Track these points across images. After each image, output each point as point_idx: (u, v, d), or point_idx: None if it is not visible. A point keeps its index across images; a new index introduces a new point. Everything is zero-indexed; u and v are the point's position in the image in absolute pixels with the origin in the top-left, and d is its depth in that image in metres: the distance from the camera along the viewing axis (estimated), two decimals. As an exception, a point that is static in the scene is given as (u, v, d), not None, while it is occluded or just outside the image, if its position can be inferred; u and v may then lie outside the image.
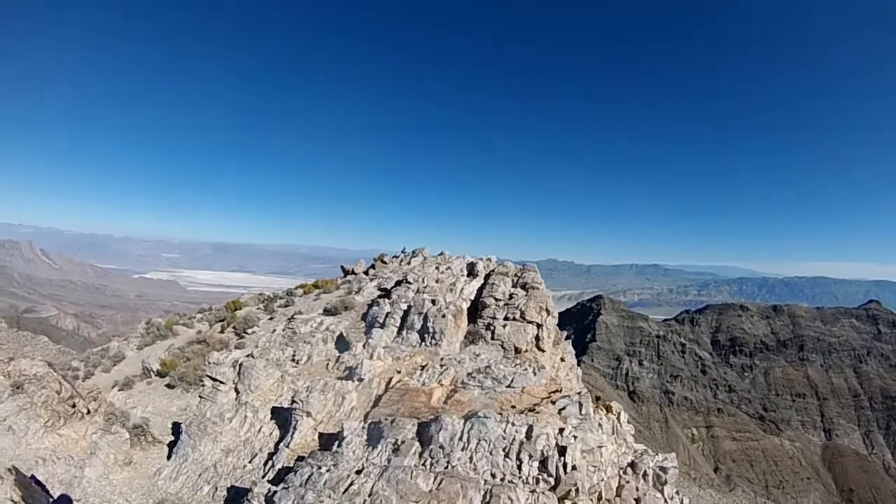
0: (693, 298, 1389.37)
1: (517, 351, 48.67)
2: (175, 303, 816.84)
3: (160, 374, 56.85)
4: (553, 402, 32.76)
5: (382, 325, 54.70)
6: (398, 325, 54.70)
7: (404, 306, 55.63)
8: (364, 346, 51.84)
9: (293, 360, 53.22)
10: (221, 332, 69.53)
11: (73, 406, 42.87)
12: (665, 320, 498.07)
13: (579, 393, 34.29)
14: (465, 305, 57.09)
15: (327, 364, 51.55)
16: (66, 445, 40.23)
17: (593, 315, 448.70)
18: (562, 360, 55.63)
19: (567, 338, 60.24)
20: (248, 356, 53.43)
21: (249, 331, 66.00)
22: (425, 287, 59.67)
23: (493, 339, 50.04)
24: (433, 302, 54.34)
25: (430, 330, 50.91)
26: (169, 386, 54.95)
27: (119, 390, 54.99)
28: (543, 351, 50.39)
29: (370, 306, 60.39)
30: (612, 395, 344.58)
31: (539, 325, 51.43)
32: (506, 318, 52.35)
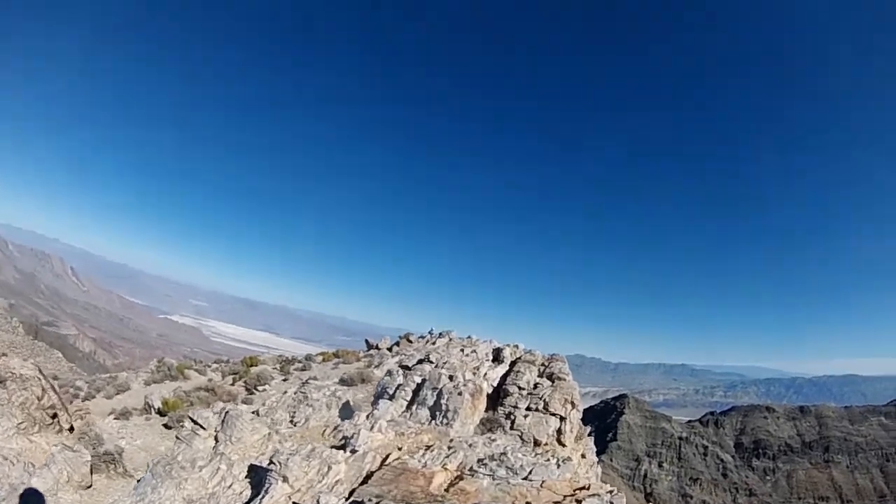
0: (719, 399, 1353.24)
1: (536, 443, 45.61)
2: (196, 349, 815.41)
3: (160, 413, 55.49)
4: (579, 502, 28.87)
5: (391, 397, 51.87)
6: (409, 398, 51.77)
7: (418, 379, 52.83)
8: (368, 416, 47.55)
9: (290, 421, 51.50)
10: (232, 384, 68.22)
11: (54, 417, 42.25)
12: (689, 421, 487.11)
13: (611, 492, 30.86)
14: (487, 388, 53.64)
15: (324, 430, 49.10)
16: (33, 452, 38.88)
17: (616, 413, 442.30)
18: (583, 456, 52.08)
19: (589, 434, 57.20)
20: (253, 412, 51.96)
21: (260, 388, 64.69)
22: (445, 364, 56.53)
23: (512, 428, 46.86)
24: (450, 378, 50.57)
25: (443, 407, 47.56)
26: (166, 426, 53.22)
27: (115, 418, 53.77)
28: (564, 445, 47.26)
29: (384, 377, 57.89)
30: (628, 497, 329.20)
31: (562, 419, 48.34)
32: (528, 409, 49.23)
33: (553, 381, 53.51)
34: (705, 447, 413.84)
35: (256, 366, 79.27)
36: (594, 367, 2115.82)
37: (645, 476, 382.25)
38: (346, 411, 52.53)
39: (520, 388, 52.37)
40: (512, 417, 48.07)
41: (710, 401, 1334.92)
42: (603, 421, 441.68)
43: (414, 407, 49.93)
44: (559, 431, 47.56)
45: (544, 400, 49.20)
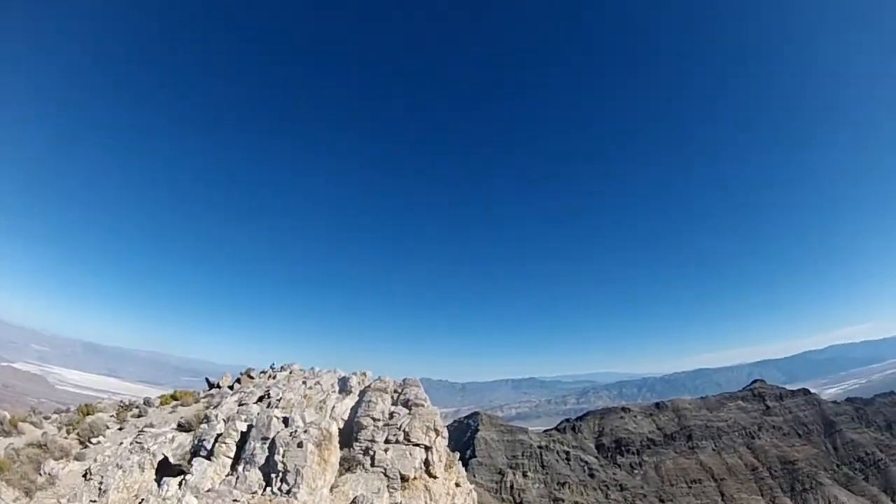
0: (573, 407, 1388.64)
1: (404, 479, 41.28)
2: (42, 400, 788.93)
3: None
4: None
5: (210, 454, 42.37)
6: (233, 453, 42.09)
7: (243, 426, 44.47)
8: (181, 483, 39.24)
9: (99, 488, 43.23)
10: (67, 435, 60.64)
11: None
12: (546, 431, 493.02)
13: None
14: (336, 427, 46.73)
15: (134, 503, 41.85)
16: None
17: (472, 431, 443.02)
18: (457, 485, 48.37)
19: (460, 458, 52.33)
20: (85, 471, 47.31)
21: (94, 440, 57.10)
22: (280, 401, 50.93)
23: (373, 465, 42.23)
24: (285, 421, 42.70)
25: (280, 466, 38.27)
26: None
27: None
28: (435, 477, 43.46)
29: (201, 424, 49.75)
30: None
31: (427, 448, 44.34)
32: (387, 441, 44.41)
33: (410, 409, 49.30)
34: (567, 452, 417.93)
35: (93, 414, 71.79)
36: (442, 388, 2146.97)
37: (511, 487, 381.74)
38: (167, 470, 44.88)
39: (374, 419, 47.51)
40: (371, 453, 43.47)
41: (563, 409, 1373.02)
42: (459, 440, 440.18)
43: (240, 468, 40.14)
44: (427, 462, 43.75)
45: (404, 430, 45.07)
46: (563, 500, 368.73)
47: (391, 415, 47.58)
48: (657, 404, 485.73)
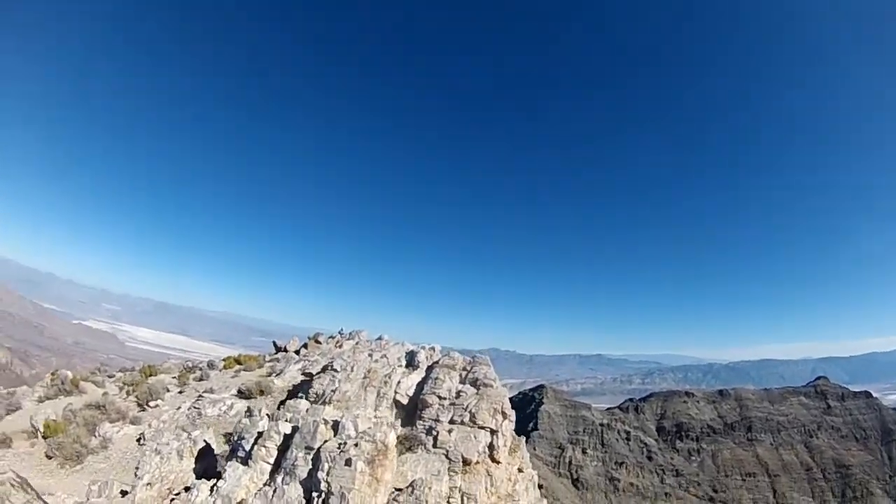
0: (637, 387, 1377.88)
1: (466, 462, 38.45)
2: (112, 356, 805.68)
3: (45, 437, 47.89)
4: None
5: (247, 457, 35.82)
6: (273, 459, 35.58)
7: (286, 428, 36.91)
8: (213, 489, 34.38)
9: (135, 475, 38.03)
10: (127, 397, 61.17)
11: None
12: (608, 409, 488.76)
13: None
14: (394, 437, 39.64)
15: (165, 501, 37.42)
16: None
17: (536, 404, 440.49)
18: (519, 470, 45.08)
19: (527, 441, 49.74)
20: (138, 436, 47.36)
21: (152, 403, 57.33)
22: (335, 393, 45.87)
23: (435, 446, 39.62)
24: (335, 428, 35.38)
25: (324, 487, 31.35)
26: (48, 455, 45.49)
27: None
28: (498, 462, 40.31)
29: (243, 418, 42.14)
30: (555, 483, 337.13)
31: (493, 432, 41.30)
32: (452, 422, 41.89)
33: (478, 389, 46.07)
34: (627, 432, 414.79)
35: (156, 375, 72.58)
36: (509, 359, 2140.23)
37: (570, 463, 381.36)
38: (208, 459, 41.05)
39: (440, 397, 44.59)
40: (434, 433, 40.79)
41: (627, 388, 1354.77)
42: (523, 412, 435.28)
43: (279, 478, 34.00)
44: (491, 447, 40.64)
45: (470, 411, 42.26)
46: (618, 481, 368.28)
47: (458, 394, 45.02)
48: (720, 391, 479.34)
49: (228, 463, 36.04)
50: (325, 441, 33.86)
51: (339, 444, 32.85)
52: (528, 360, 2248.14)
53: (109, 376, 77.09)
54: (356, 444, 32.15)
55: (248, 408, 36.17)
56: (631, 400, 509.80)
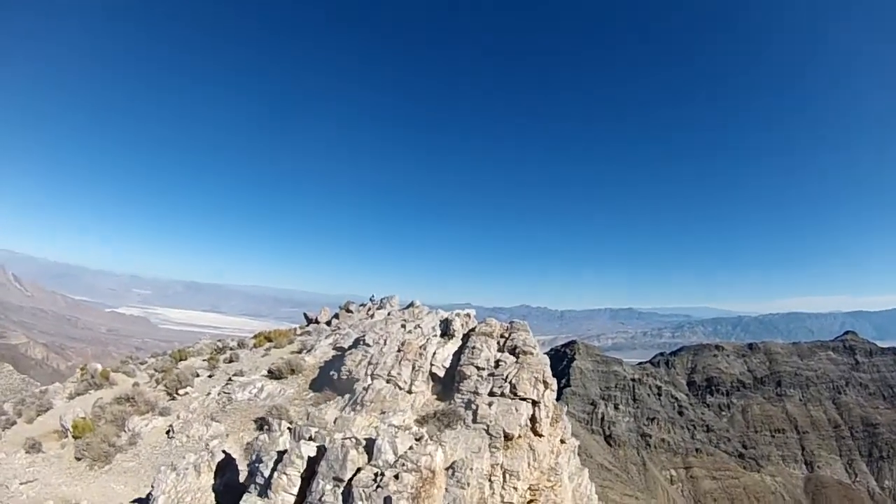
0: (668, 340, 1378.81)
1: (507, 437, 36.16)
2: (146, 340, 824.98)
3: (75, 437, 46.41)
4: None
5: (266, 487, 29.02)
6: (296, 490, 28.70)
7: (311, 449, 29.60)
8: None
9: (150, 496, 32.80)
10: (157, 385, 59.33)
11: None
12: (640, 363, 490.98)
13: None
14: (441, 458, 36.48)
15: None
16: None
17: (567, 360, 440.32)
18: (562, 441, 43.19)
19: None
20: (168, 428, 45.61)
21: (181, 391, 55.66)
22: (382, 360, 44.38)
23: (475, 421, 37.23)
24: (368, 449, 28.53)
25: None
26: (77, 457, 43.97)
27: (26, 451, 45.01)
28: (541, 435, 38.29)
29: (260, 437, 40.06)
30: (588, 440, 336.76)
31: (535, 403, 38.96)
32: (491, 394, 39.34)
33: (518, 357, 43.29)
34: (659, 387, 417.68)
35: (185, 359, 71.53)
36: (541, 316, 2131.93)
37: (602, 419, 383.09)
38: (229, 474, 35.17)
39: (478, 368, 42.24)
40: (473, 407, 38.45)
41: (658, 342, 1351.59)
42: (555, 368, 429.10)
43: None
44: (533, 419, 38.50)
45: (510, 382, 39.63)
46: (650, 437, 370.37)
47: (497, 363, 42.42)
48: (750, 345, 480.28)
49: (245, 495, 29.45)
50: (358, 470, 27.50)
51: (375, 474, 26.77)
52: (559, 316, 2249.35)
53: (141, 363, 76.13)
54: (396, 476, 26.02)
55: (267, 421, 30.49)
56: (662, 354, 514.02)
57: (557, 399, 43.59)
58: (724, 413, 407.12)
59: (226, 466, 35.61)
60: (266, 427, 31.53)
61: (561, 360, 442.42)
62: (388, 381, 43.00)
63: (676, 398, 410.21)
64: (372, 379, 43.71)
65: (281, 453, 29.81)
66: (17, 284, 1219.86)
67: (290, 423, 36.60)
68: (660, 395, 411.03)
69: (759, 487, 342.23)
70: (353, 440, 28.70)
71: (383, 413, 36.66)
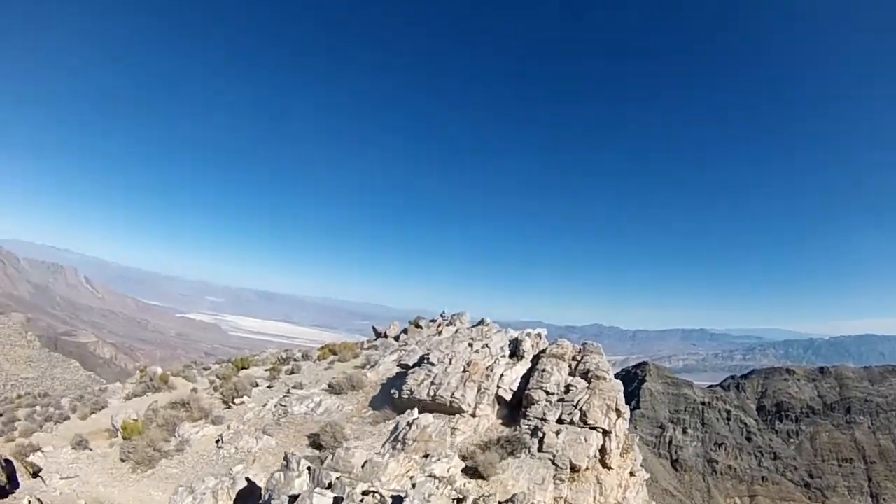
0: (739, 363, 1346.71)
1: (574, 469, 33.56)
2: (216, 346, 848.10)
3: (124, 438, 46.01)
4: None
5: None
6: None
7: (326, 501, 24.08)
8: None
9: None
10: (215, 392, 58.35)
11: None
12: (710, 386, 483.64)
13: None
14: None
15: None
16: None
17: (638, 381, 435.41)
18: (631, 474, 39.59)
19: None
20: (218, 437, 43.79)
21: (237, 401, 54.06)
22: (445, 380, 41.61)
23: (540, 450, 34.64)
24: None
25: None
26: (122, 458, 43.26)
27: (73, 448, 45.59)
28: (609, 468, 35.61)
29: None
30: (654, 464, 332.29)
31: (606, 433, 36.22)
32: (560, 421, 36.75)
33: (590, 382, 40.39)
34: (728, 412, 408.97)
35: (248, 367, 70.78)
36: (613, 335, 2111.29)
37: (670, 443, 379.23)
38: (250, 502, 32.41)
39: (547, 392, 39.55)
40: (540, 434, 35.86)
41: (729, 364, 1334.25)
42: (625, 390, 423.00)
43: None
44: (602, 450, 35.71)
45: (581, 409, 37.00)
46: (716, 462, 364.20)
47: (567, 388, 39.55)
48: (821, 369, 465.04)
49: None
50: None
51: None
52: (632, 336, 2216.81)
53: (205, 368, 76.06)
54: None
55: (286, 457, 26.36)
56: (732, 377, 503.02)
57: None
58: (792, 440, 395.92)
59: (247, 496, 33.15)
60: (285, 463, 26.73)
61: (632, 381, 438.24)
62: (450, 404, 40.26)
63: (745, 423, 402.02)
64: (433, 399, 41.00)
65: (293, 498, 25.26)
66: (89, 286, 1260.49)
67: (327, 449, 33.87)
68: (729, 419, 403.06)
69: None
70: (377, 497, 24.09)
71: (426, 456, 31.33)
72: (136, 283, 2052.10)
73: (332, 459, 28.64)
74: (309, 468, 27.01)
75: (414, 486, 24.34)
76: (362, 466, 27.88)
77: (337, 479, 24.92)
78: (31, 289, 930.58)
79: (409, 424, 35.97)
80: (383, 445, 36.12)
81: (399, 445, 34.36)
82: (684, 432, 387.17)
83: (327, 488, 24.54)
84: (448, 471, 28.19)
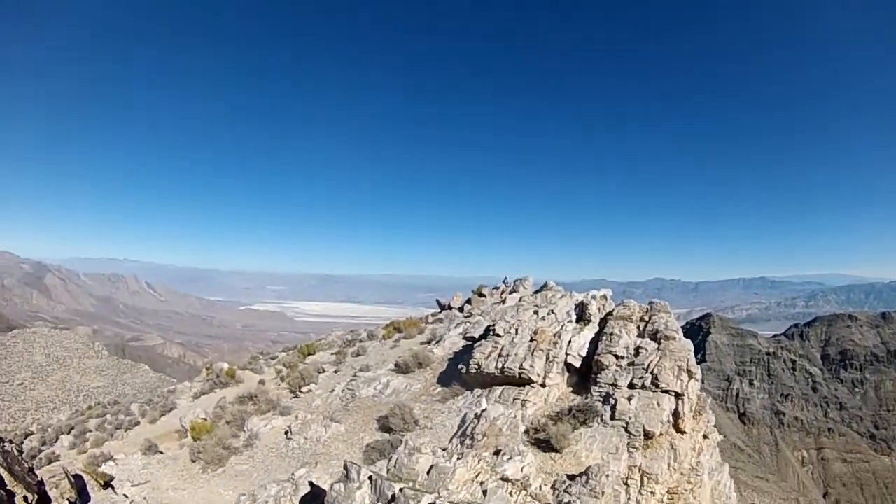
0: (801, 311, 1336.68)
1: (647, 436, 32.25)
2: (283, 333, 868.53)
3: (194, 439, 45.65)
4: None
5: None
6: None
7: None
8: None
9: None
10: (281, 383, 58.82)
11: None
12: (774, 336, 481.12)
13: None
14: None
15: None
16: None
17: (703, 334, 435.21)
18: (704, 437, 37.79)
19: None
20: (286, 428, 43.09)
21: (304, 389, 54.29)
22: (513, 351, 40.54)
23: (613, 418, 33.54)
24: None
25: None
26: (192, 459, 42.85)
27: (143, 453, 45.45)
28: (683, 432, 33.90)
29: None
30: (722, 418, 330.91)
31: (678, 396, 34.74)
32: (631, 386, 35.55)
33: (659, 343, 38.68)
34: (793, 361, 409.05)
35: (314, 353, 70.97)
36: (675, 289, 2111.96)
37: (737, 396, 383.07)
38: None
39: (617, 357, 38.12)
40: (611, 401, 34.65)
41: (791, 312, 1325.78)
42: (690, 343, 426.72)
43: None
44: (675, 414, 34.10)
45: (652, 372, 35.57)
46: (783, 414, 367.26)
47: (636, 350, 38.05)
48: (883, 315, 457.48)
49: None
50: None
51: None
52: (694, 288, 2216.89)
53: (272, 358, 76.71)
54: None
55: (346, 466, 24.71)
56: (796, 325, 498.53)
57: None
58: (857, 389, 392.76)
59: (310, 501, 31.27)
60: (345, 473, 24.87)
61: (696, 334, 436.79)
62: (519, 376, 39.17)
63: (811, 373, 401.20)
64: (502, 371, 39.90)
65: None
66: (151, 291, 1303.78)
67: (391, 455, 31.71)
68: (794, 369, 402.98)
69: (889, 473, 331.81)
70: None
71: (497, 453, 27.45)
72: (198, 282, 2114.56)
73: (394, 466, 26.39)
74: (370, 477, 24.47)
75: (485, 492, 23.06)
76: (427, 473, 25.55)
77: (400, 490, 22.74)
78: (95, 301, 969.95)
79: (478, 417, 33.92)
80: (451, 441, 34.60)
81: (468, 441, 32.40)
82: (751, 384, 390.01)
83: (390, 501, 22.80)
84: (522, 470, 25.33)
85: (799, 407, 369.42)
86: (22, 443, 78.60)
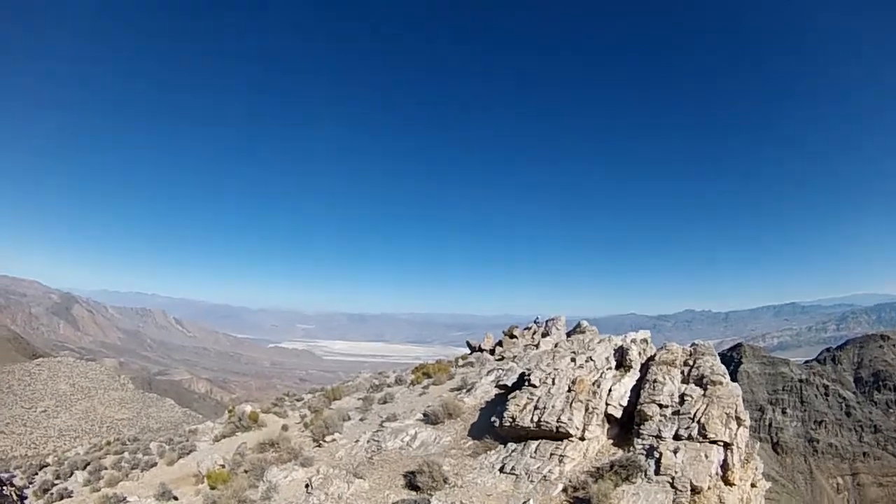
0: (833, 334, 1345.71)
1: (694, 491, 29.73)
2: (311, 371, 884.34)
3: (211, 487, 44.31)
4: None
5: None
6: None
7: None
8: None
9: None
10: (305, 430, 56.71)
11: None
12: (806, 362, 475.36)
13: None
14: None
15: None
16: None
17: (734, 365, 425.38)
18: (752, 486, 35.59)
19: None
20: (307, 481, 40.18)
21: (328, 438, 51.64)
22: (549, 403, 37.82)
23: (658, 472, 30.89)
24: None
25: None
26: None
27: (156, 499, 44.78)
28: (732, 485, 31.48)
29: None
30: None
31: (727, 445, 32.25)
32: (676, 437, 33.03)
33: (705, 389, 36.00)
34: (826, 386, 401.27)
35: (340, 398, 69.46)
36: (705, 320, 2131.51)
37: (770, 425, 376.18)
38: None
39: (661, 405, 35.61)
40: (656, 454, 32.09)
41: (823, 336, 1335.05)
42: None
43: None
44: (724, 466, 31.56)
45: (699, 421, 33.02)
46: (817, 441, 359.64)
47: (682, 398, 35.63)
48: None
49: None
50: None
51: None
52: (724, 318, 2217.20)
53: (297, 399, 76.02)
54: None
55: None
56: (828, 350, 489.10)
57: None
58: (891, 410, 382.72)
59: None
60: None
61: (728, 364, 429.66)
62: (556, 430, 36.35)
63: (844, 397, 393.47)
64: (538, 425, 37.22)
65: None
66: (179, 326, 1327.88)
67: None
68: (827, 395, 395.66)
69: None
70: None
71: None
72: (227, 318, 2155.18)
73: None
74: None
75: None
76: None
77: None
78: (122, 334, 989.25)
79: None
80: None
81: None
82: (783, 412, 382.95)
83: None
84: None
85: (833, 433, 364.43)
86: (35, 474, 79.21)
